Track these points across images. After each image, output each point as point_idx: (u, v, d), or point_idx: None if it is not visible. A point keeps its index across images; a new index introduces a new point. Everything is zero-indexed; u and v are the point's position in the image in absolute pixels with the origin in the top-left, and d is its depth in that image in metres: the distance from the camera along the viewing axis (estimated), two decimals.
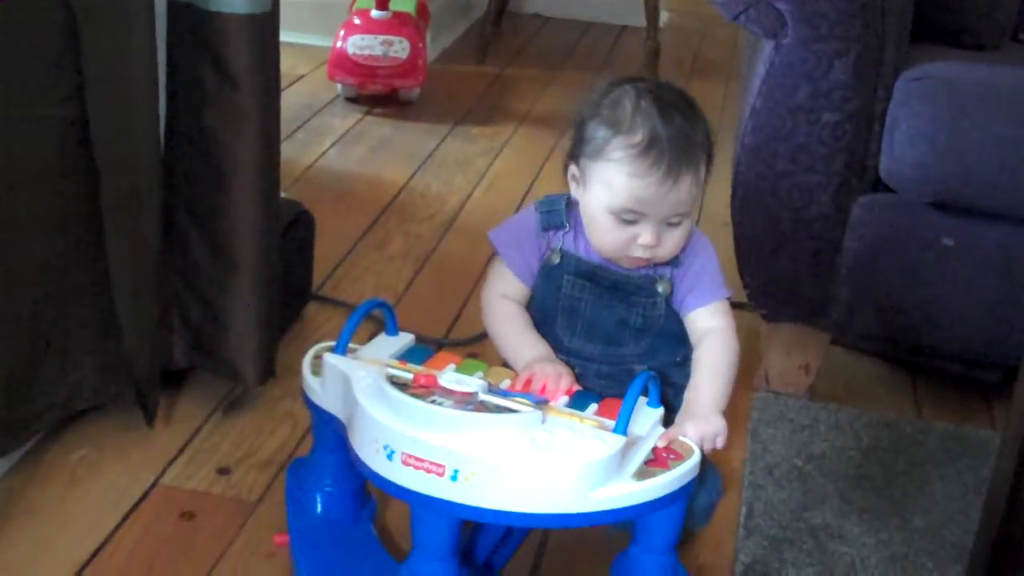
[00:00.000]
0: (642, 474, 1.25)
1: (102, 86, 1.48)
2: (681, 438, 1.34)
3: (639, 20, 3.87)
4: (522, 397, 1.32)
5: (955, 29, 2.02)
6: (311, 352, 1.47)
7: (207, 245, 1.68)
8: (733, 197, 1.80)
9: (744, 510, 1.63)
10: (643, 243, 1.40)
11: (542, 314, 1.51)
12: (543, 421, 1.25)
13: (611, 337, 1.49)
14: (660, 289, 1.46)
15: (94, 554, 1.47)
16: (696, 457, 1.31)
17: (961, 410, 1.94)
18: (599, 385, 1.47)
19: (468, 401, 1.28)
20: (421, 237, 2.45)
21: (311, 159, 2.83)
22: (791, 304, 1.85)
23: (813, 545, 1.57)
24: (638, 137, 1.37)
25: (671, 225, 1.40)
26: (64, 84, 1.46)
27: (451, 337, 2.02)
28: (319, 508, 1.48)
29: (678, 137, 1.37)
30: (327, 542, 1.46)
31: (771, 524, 1.60)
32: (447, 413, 1.23)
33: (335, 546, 1.46)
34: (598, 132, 1.40)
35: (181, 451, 1.68)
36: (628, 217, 1.39)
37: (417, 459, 1.21)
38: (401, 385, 1.30)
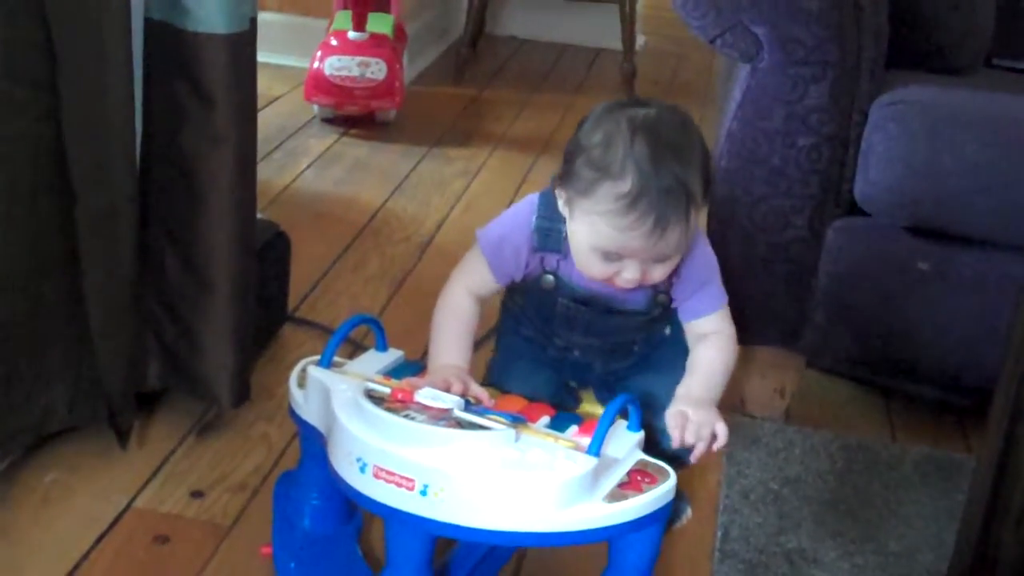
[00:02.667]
0: (614, 496, 1.25)
1: (78, 105, 1.47)
2: (656, 461, 1.33)
3: (615, 43, 3.88)
4: (499, 416, 1.32)
5: (930, 54, 2.03)
6: (299, 366, 1.48)
7: (182, 265, 1.67)
8: (709, 220, 1.81)
9: (720, 534, 1.63)
10: (628, 279, 1.38)
11: (539, 316, 1.51)
12: (516, 439, 1.25)
13: (611, 333, 1.51)
14: (659, 300, 1.47)
15: None
16: (671, 482, 1.30)
17: (935, 434, 1.95)
18: (595, 361, 1.52)
19: (443, 417, 1.28)
20: (397, 259, 2.45)
21: (287, 180, 2.82)
22: (766, 327, 1.85)
23: (788, 569, 1.57)
24: (626, 186, 1.32)
25: (659, 261, 1.38)
26: (40, 102, 1.45)
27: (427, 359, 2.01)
28: (306, 521, 1.48)
29: (668, 189, 1.32)
30: (310, 556, 1.46)
31: (747, 548, 1.60)
32: (418, 428, 1.24)
33: (318, 560, 1.46)
34: (586, 172, 1.35)
35: (155, 474, 1.66)
36: (612, 257, 1.37)
37: (388, 472, 1.22)
38: (378, 399, 1.31)
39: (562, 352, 1.55)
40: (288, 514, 1.49)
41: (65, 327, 1.59)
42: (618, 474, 1.28)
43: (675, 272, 1.43)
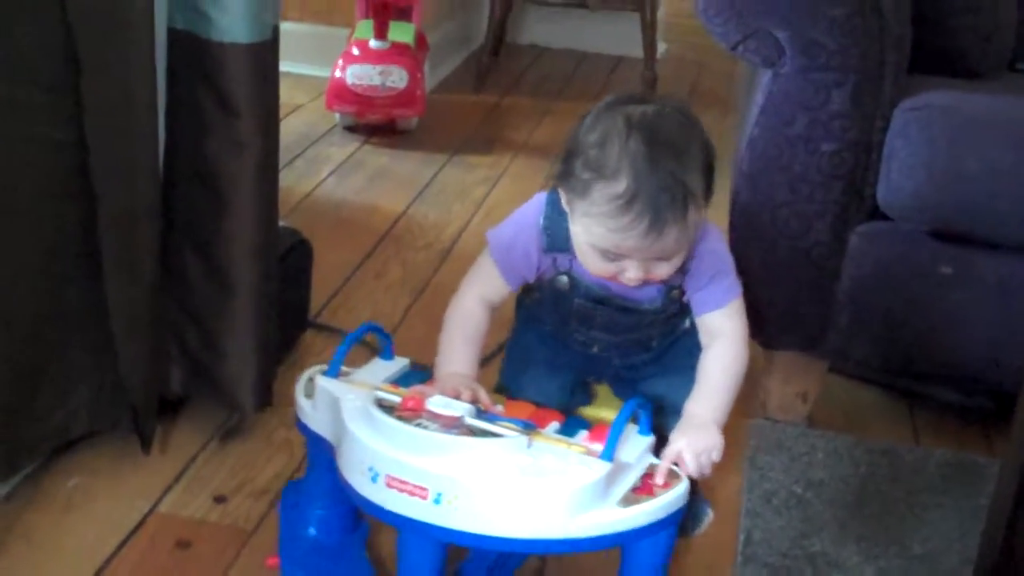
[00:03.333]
0: (628, 501, 1.25)
1: (102, 110, 1.48)
2: (671, 466, 1.33)
3: (636, 51, 3.89)
4: (511, 423, 1.31)
5: (952, 59, 2.02)
6: (305, 375, 1.47)
7: (205, 271, 1.68)
8: (731, 226, 1.80)
9: (742, 538, 1.63)
10: (631, 277, 1.37)
11: (556, 313, 1.51)
12: (529, 446, 1.25)
13: (629, 328, 1.50)
14: (673, 295, 1.46)
15: None
16: (684, 485, 1.30)
17: (959, 438, 1.94)
18: (614, 356, 1.52)
19: (454, 425, 1.28)
20: (418, 266, 2.45)
21: (309, 188, 2.83)
22: (789, 332, 1.85)
23: (811, 573, 1.57)
24: (621, 187, 1.30)
25: (661, 260, 1.37)
26: (63, 107, 1.46)
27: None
28: (312, 530, 1.47)
29: (664, 188, 1.30)
30: (317, 565, 1.45)
31: (769, 552, 1.60)
32: (431, 436, 1.23)
33: (325, 569, 1.45)
34: (583, 172, 1.34)
35: (177, 479, 1.67)
36: (611, 256, 1.36)
37: (401, 482, 1.22)
38: (388, 408, 1.30)
39: (582, 347, 1.55)
40: (295, 524, 1.49)
41: (88, 333, 1.60)
42: (631, 478, 1.28)
43: (686, 265, 1.42)
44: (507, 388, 1.54)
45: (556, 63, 4.24)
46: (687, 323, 1.54)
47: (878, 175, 1.71)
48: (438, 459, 1.21)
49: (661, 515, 1.26)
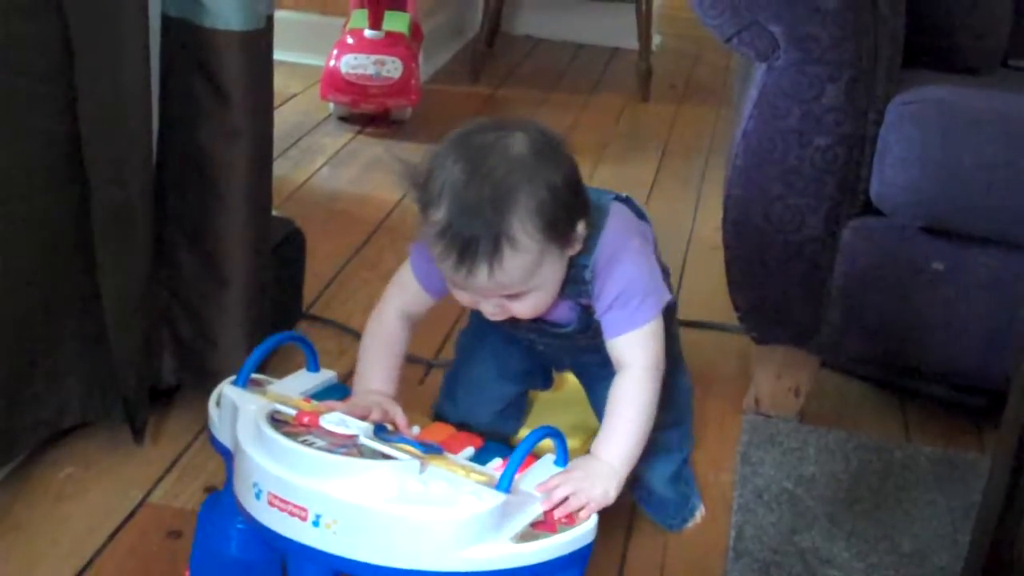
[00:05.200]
0: (525, 536, 1.17)
1: (95, 100, 1.48)
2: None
3: (631, 42, 3.88)
4: (412, 445, 1.25)
5: (946, 54, 2.02)
6: (221, 385, 1.39)
7: (198, 261, 1.68)
8: (724, 220, 1.80)
9: (733, 533, 1.63)
10: (486, 312, 1.33)
11: (483, 323, 1.46)
12: (421, 471, 1.18)
13: (561, 344, 1.48)
14: (591, 313, 1.41)
15: (80, 572, 1.46)
16: (591, 523, 1.23)
17: (950, 434, 1.94)
18: (563, 354, 1.50)
19: (345, 444, 1.21)
20: None
21: (303, 177, 2.83)
22: (781, 327, 1.85)
23: (802, 569, 1.57)
24: (439, 214, 1.25)
25: (512, 297, 1.31)
26: (56, 97, 1.46)
27: (440, 358, 2.01)
28: (232, 546, 1.38)
29: (471, 225, 1.23)
30: None
31: (760, 547, 1.60)
32: (311, 455, 1.16)
33: None
34: (418, 193, 1.29)
35: (169, 469, 1.67)
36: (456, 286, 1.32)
37: (282, 500, 1.16)
38: (282, 422, 1.24)
39: (529, 343, 1.52)
40: (212, 538, 1.40)
41: (80, 322, 1.60)
42: (532, 512, 1.21)
43: (590, 287, 1.37)
44: (460, 364, 1.53)
45: (551, 54, 4.23)
46: None
47: (871, 170, 1.71)
48: (319, 479, 1.15)
49: (559, 553, 1.19)
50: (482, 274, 1.25)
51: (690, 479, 1.67)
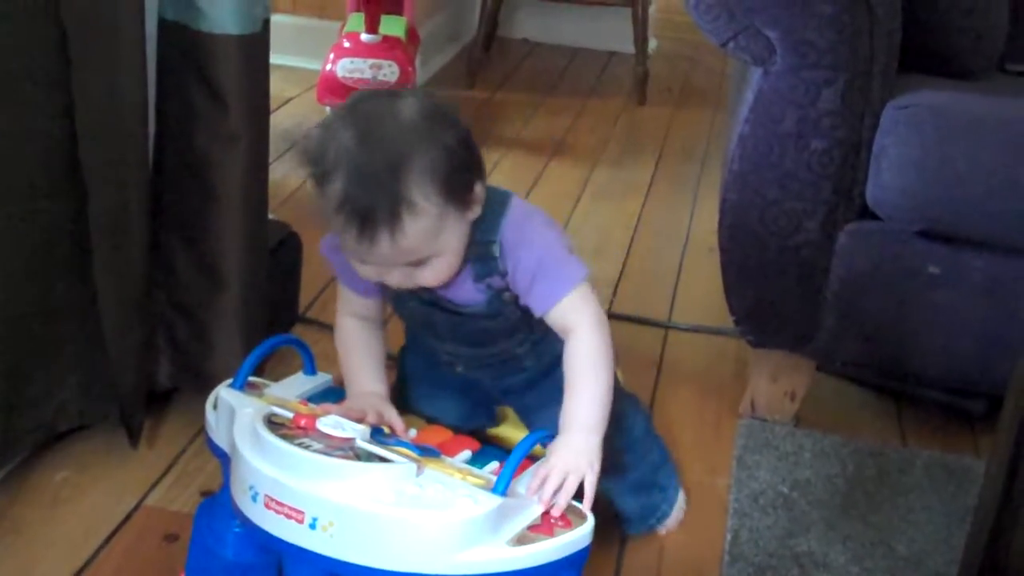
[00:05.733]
0: (522, 540, 1.17)
1: (91, 104, 1.48)
2: (574, 503, 1.25)
3: (627, 47, 3.89)
4: (408, 448, 1.25)
5: (943, 58, 2.03)
6: (217, 388, 1.39)
7: (194, 264, 1.68)
8: (720, 224, 1.81)
9: (729, 537, 1.63)
10: (393, 282, 1.30)
11: (410, 323, 1.46)
12: (418, 474, 1.18)
13: (480, 341, 1.42)
14: (505, 298, 1.36)
15: (77, 575, 1.46)
16: (587, 527, 1.22)
17: (946, 438, 1.94)
18: (485, 377, 1.44)
19: (341, 447, 1.21)
20: None
21: (299, 181, 2.82)
22: (777, 331, 1.85)
23: (798, 573, 1.57)
24: (332, 187, 1.22)
25: (415, 264, 1.28)
26: (54, 101, 1.46)
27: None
28: (228, 550, 1.37)
29: (368, 192, 1.21)
30: None
31: (756, 551, 1.60)
32: (308, 457, 1.16)
33: None
34: (311, 168, 1.26)
35: (165, 473, 1.67)
36: (358, 259, 1.29)
37: (278, 503, 1.16)
38: (278, 425, 1.24)
39: (449, 368, 1.48)
40: (208, 541, 1.39)
41: (77, 326, 1.60)
42: (529, 515, 1.21)
43: (502, 266, 1.33)
44: (412, 412, 1.48)
45: (548, 58, 4.24)
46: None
47: (867, 174, 1.71)
48: (315, 482, 1.15)
49: (555, 556, 1.18)
50: (384, 242, 1.23)
51: (663, 486, 1.63)
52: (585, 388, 1.33)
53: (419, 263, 1.27)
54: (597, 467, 1.28)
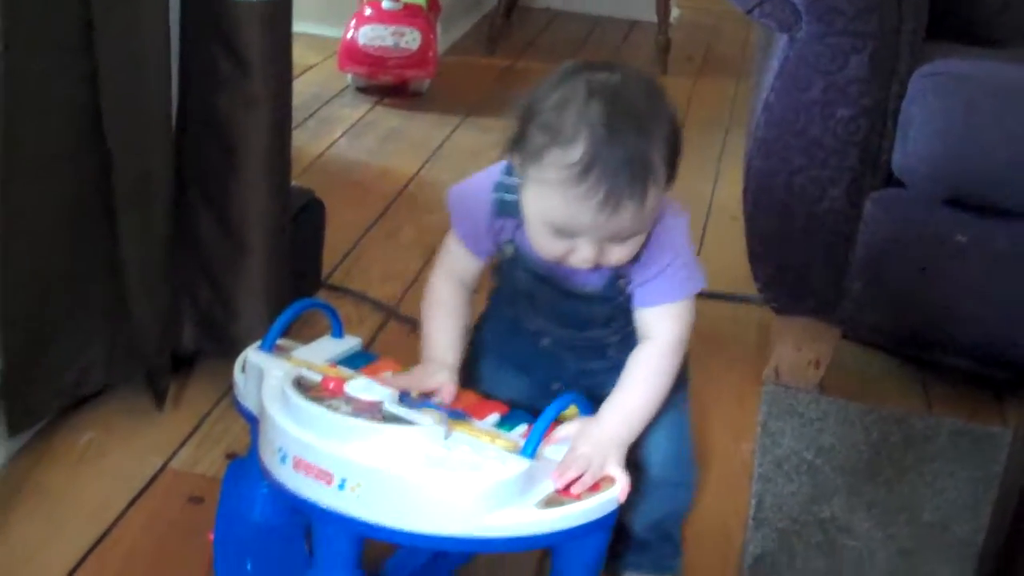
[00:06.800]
0: (550, 502, 1.16)
1: (115, 69, 1.48)
2: (608, 470, 1.23)
3: (650, 15, 3.87)
4: (437, 410, 1.24)
5: (970, 26, 2.01)
6: (245, 351, 1.38)
7: (218, 229, 1.68)
8: (745, 191, 1.80)
9: (753, 502, 1.63)
10: (581, 258, 1.25)
11: (508, 294, 1.42)
12: (446, 437, 1.17)
13: (577, 323, 1.40)
14: (620, 285, 1.33)
15: (102, 537, 1.47)
16: (616, 490, 1.22)
17: (971, 406, 1.94)
18: (568, 356, 1.41)
19: (370, 409, 1.21)
20: (431, 228, 2.44)
21: (321, 148, 2.82)
22: (802, 298, 1.85)
23: (822, 538, 1.57)
24: (576, 154, 1.18)
25: (616, 241, 1.25)
26: (77, 67, 1.46)
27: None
28: (255, 511, 1.38)
29: (624, 161, 1.18)
30: (253, 546, 1.38)
31: (780, 516, 1.60)
32: (336, 419, 1.16)
33: (260, 551, 1.38)
34: (537, 136, 1.21)
35: (190, 435, 1.68)
36: (564, 232, 1.24)
37: (307, 464, 1.16)
38: (307, 387, 1.24)
39: (534, 338, 1.44)
40: (237, 503, 1.40)
41: (101, 289, 1.61)
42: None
43: (638, 253, 1.29)
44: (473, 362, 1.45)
45: (569, 27, 4.22)
46: None
47: (894, 142, 1.70)
48: (344, 444, 1.14)
49: (584, 520, 1.18)
50: (627, 213, 1.19)
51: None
52: (636, 397, 1.32)
53: (624, 239, 1.25)
54: (613, 472, 1.25)
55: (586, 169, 1.17)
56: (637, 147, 1.18)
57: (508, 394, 1.40)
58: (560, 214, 1.22)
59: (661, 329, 1.33)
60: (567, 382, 1.44)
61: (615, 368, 1.38)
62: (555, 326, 1.41)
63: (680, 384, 1.39)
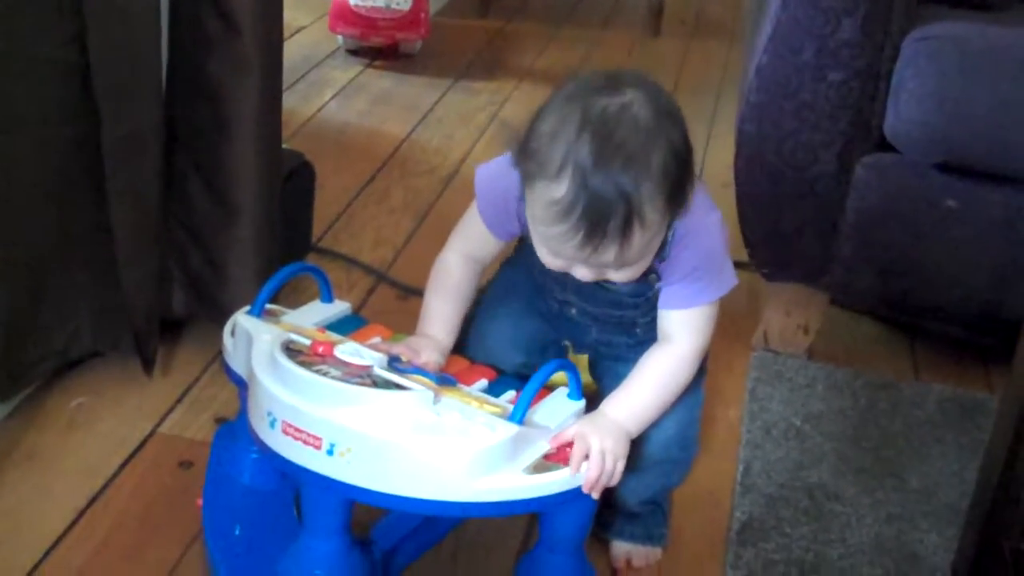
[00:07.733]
0: (538, 468, 1.17)
1: (103, 30, 1.46)
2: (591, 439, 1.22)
3: None
4: (425, 376, 1.24)
5: None
6: (235, 315, 1.39)
7: (208, 192, 1.67)
8: (737, 155, 1.79)
9: (741, 468, 1.63)
10: (580, 275, 1.25)
11: (537, 262, 1.36)
12: (435, 402, 1.18)
13: (606, 303, 1.39)
14: (652, 279, 1.33)
15: (92, 501, 1.47)
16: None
17: (959, 373, 1.94)
18: (593, 326, 1.41)
19: (359, 375, 1.20)
20: (421, 191, 2.44)
21: (311, 111, 2.81)
22: (792, 263, 1.85)
23: (809, 504, 1.58)
24: (559, 192, 1.15)
25: (612, 268, 1.24)
26: (65, 27, 1.45)
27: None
28: (244, 475, 1.41)
29: (606, 203, 1.14)
30: (242, 511, 1.39)
31: (768, 482, 1.61)
32: (325, 383, 1.16)
33: (249, 515, 1.39)
34: (528, 163, 1.19)
35: (179, 400, 1.68)
36: (557, 255, 1.23)
37: (296, 429, 1.16)
38: (296, 352, 1.24)
39: (560, 306, 1.43)
40: (226, 467, 1.42)
41: (91, 253, 1.60)
42: (546, 445, 1.21)
43: (664, 251, 1.28)
44: (478, 324, 1.44)
45: None
46: None
47: (886, 105, 1.70)
48: (333, 408, 1.14)
49: (571, 485, 1.19)
50: (609, 253, 1.18)
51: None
52: (646, 394, 1.31)
53: (619, 267, 1.24)
54: (609, 455, 1.24)
55: (567, 210, 1.16)
56: (622, 189, 1.15)
57: (512, 326, 1.41)
58: (548, 244, 1.22)
59: (680, 337, 1.33)
60: (586, 347, 1.45)
61: (641, 345, 1.38)
62: (586, 304, 1.40)
63: (698, 375, 1.39)
